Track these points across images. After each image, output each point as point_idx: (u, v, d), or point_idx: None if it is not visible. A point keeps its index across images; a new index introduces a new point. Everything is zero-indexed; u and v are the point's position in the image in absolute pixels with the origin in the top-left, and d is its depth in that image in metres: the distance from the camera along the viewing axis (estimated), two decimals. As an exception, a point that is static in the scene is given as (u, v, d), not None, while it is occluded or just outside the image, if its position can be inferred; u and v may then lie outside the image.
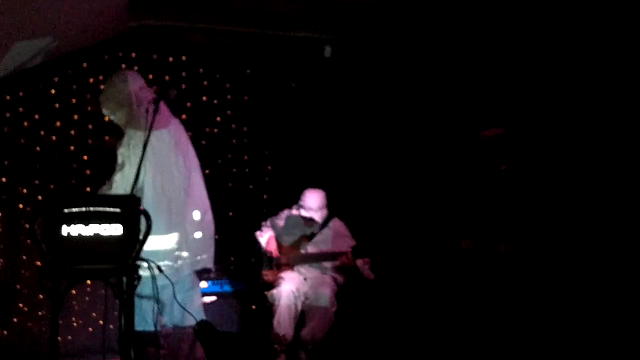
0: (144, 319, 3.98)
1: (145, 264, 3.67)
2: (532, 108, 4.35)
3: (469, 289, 4.13)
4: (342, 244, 5.14)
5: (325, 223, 5.28)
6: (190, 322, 4.19)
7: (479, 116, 4.59)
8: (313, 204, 5.19)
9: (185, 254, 4.17)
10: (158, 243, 4.02)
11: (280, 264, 5.19)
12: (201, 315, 4.30)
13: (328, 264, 5.15)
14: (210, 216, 4.34)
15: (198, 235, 4.26)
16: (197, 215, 4.26)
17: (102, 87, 4.53)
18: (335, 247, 5.15)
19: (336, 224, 5.31)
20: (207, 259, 4.32)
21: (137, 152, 4.01)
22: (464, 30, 4.88)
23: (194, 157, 4.39)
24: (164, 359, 4.10)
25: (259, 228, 5.42)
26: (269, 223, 5.39)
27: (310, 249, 5.22)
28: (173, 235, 4.15)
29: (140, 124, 4.05)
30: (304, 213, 5.18)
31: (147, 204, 4.00)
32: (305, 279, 5.11)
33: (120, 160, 4.12)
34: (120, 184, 4.08)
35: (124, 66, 5.69)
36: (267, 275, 5.17)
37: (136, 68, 5.71)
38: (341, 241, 5.19)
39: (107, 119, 4.55)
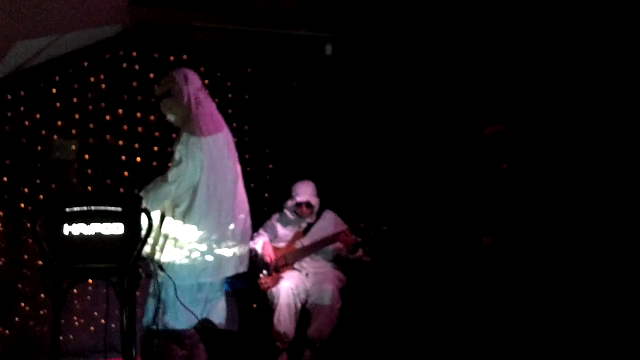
0: (177, 318, 4.02)
1: (159, 265, 3.74)
2: (533, 105, 4.34)
3: (471, 285, 4.13)
4: (337, 230, 5.19)
5: (318, 215, 5.34)
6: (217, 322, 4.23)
7: (480, 113, 4.58)
8: (306, 189, 5.28)
9: (231, 253, 4.19)
10: (203, 240, 4.07)
11: (279, 267, 5.19)
12: (223, 319, 4.32)
13: (328, 249, 5.19)
14: (249, 222, 4.37)
15: (242, 238, 4.29)
16: (242, 219, 4.29)
17: (157, 85, 4.47)
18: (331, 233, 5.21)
19: (329, 215, 5.38)
20: (246, 264, 4.36)
21: (193, 151, 4.05)
22: (465, 27, 4.87)
23: (238, 162, 4.41)
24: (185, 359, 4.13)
25: (260, 226, 5.43)
26: (261, 231, 5.39)
27: (306, 241, 5.24)
28: (219, 235, 4.17)
29: (197, 127, 4.09)
30: (299, 199, 5.22)
31: (200, 203, 4.04)
32: (307, 275, 5.12)
33: (177, 156, 4.11)
34: (176, 180, 4.08)
35: (125, 65, 5.70)
36: (266, 282, 5.16)
37: (137, 67, 5.72)
38: (336, 229, 5.23)
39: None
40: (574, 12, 4.09)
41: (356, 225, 5.04)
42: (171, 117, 4.32)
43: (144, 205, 3.71)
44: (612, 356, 3.62)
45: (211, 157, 4.13)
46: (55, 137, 5.48)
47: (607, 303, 3.71)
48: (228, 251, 4.15)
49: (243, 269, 4.34)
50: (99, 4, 4.93)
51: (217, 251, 4.11)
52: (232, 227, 4.18)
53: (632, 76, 3.77)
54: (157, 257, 4.03)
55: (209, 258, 4.08)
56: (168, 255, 4.04)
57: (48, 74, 5.51)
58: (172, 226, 4.08)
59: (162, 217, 4.13)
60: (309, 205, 5.25)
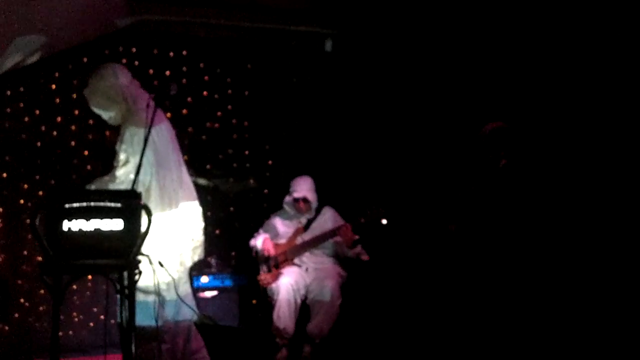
0: (147, 314, 3.98)
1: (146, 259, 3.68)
2: (532, 101, 4.34)
3: (468, 279, 4.13)
4: (337, 225, 5.20)
5: (318, 211, 5.36)
6: (185, 315, 4.19)
7: (479, 110, 4.58)
8: (303, 185, 5.30)
9: (189, 246, 4.18)
10: (163, 236, 4.03)
11: (279, 263, 5.20)
12: (195, 308, 4.30)
13: (328, 243, 5.21)
14: (199, 210, 4.36)
15: (198, 226, 4.27)
16: (194, 207, 4.27)
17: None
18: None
19: (329, 211, 5.40)
20: (199, 252, 4.33)
21: (139, 150, 3.98)
22: (465, 24, 4.86)
23: (180, 152, 4.39)
24: (167, 354, 4.11)
25: (260, 223, 5.46)
26: (260, 230, 5.43)
27: (306, 236, 5.26)
28: (176, 227, 4.15)
29: (140, 120, 4.00)
30: (296, 195, 5.25)
31: (154, 201, 4.01)
32: (307, 269, 5.13)
33: (122, 156, 4.06)
34: (125, 180, 4.05)
35: (124, 61, 5.69)
36: (265, 278, 5.16)
37: (137, 63, 5.72)
38: (335, 224, 5.24)
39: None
40: (571, 9, 4.09)
41: (355, 221, 5.05)
42: (106, 115, 4.17)
43: None
44: (612, 355, 3.63)
45: (157, 152, 4.05)
46: (55, 133, 5.48)
47: (604, 296, 3.71)
48: (183, 244, 4.13)
49: (197, 257, 4.31)
50: (98, 0, 4.93)
51: (174, 246, 4.08)
52: (183, 218, 4.16)
53: (630, 73, 3.77)
54: None
55: (167, 254, 4.03)
56: None
57: (47, 69, 5.51)
58: None
59: None
60: (305, 200, 5.26)
